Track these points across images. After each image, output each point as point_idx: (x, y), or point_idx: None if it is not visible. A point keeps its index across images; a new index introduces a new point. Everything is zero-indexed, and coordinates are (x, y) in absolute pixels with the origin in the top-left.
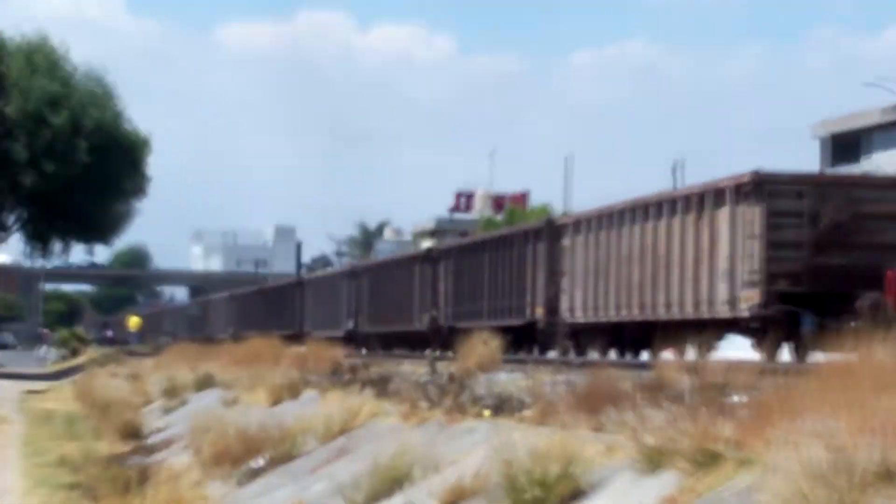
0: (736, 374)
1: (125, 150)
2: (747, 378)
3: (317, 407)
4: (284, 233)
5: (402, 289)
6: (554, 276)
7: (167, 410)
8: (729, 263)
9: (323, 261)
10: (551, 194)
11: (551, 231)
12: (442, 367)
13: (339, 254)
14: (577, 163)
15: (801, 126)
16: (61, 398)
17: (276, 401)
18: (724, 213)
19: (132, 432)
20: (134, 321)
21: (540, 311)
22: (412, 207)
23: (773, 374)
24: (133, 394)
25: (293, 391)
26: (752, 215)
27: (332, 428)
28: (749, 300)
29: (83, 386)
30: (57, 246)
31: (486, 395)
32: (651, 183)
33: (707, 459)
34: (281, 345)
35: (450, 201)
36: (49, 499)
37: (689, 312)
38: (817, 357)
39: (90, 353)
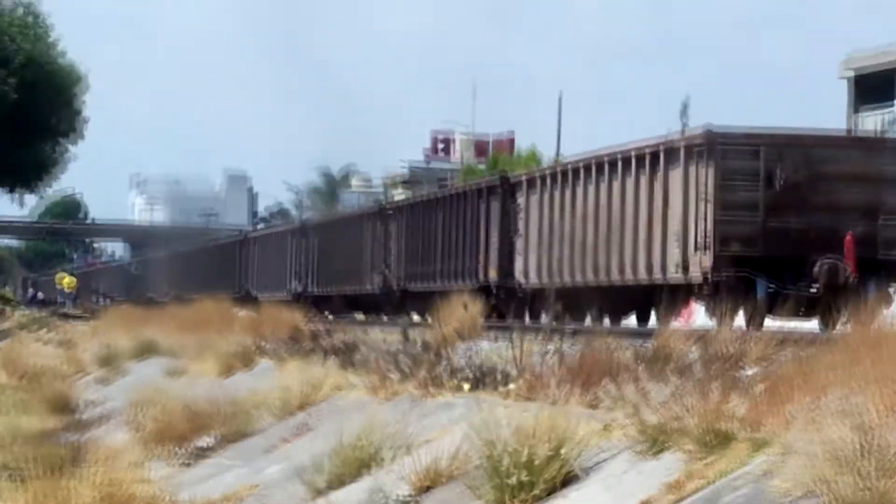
0: (750, 344)
1: (58, 87)
2: (763, 349)
3: (273, 379)
4: (236, 180)
5: (353, 248)
6: (507, 236)
7: (103, 382)
8: (681, 226)
9: (281, 212)
10: (541, 138)
11: (506, 188)
12: (415, 334)
13: (299, 205)
14: (570, 102)
15: (829, 63)
16: None
17: (227, 371)
18: (677, 173)
19: (64, 406)
20: (66, 280)
21: (493, 274)
22: (382, 153)
23: (792, 345)
24: (65, 363)
25: (246, 361)
26: (705, 175)
27: (291, 402)
28: (701, 264)
29: (8, 353)
30: None
31: (465, 367)
32: (655, 125)
33: (717, 440)
34: (232, 308)
35: (426, 146)
36: None
37: (643, 277)
38: (843, 325)
39: (16, 316)
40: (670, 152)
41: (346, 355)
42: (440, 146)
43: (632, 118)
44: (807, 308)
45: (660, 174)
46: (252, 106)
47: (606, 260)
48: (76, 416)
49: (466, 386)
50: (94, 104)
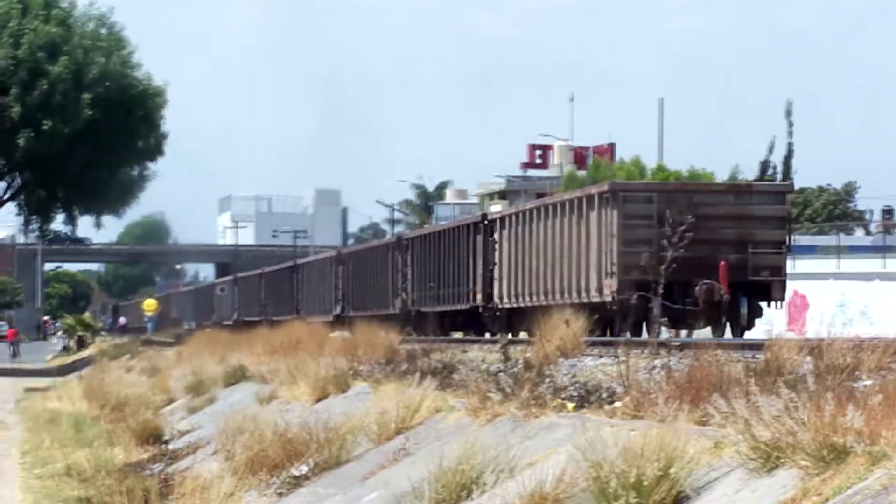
0: (865, 354)
1: (136, 103)
2: (879, 359)
3: (369, 402)
4: (327, 197)
5: (379, 274)
6: (488, 265)
7: (192, 410)
8: (597, 257)
9: (373, 229)
10: (641, 146)
11: (486, 225)
12: (516, 352)
13: (393, 220)
14: (670, 107)
15: None
16: (67, 397)
17: (321, 396)
18: (594, 216)
19: (151, 436)
20: (150, 305)
21: (479, 297)
22: (478, 164)
23: None
24: (151, 391)
25: (340, 384)
26: (611, 218)
27: (388, 427)
28: (610, 287)
29: (92, 382)
30: (59, 218)
31: (569, 385)
32: (758, 130)
33: (833, 455)
34: (323, 330)
35: (522, 159)
36: None
37: (576, 298)
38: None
39: (100, 343)
40: (590, 199)
41: (445, 376)
42: (537, 156)
43: (735, 123)
44: (692, 320)
45: (584, 217)
46: (341, 124)
47: (552, 284)
48: (164, 447)
49: (570, 405)
50: (174, 119)
